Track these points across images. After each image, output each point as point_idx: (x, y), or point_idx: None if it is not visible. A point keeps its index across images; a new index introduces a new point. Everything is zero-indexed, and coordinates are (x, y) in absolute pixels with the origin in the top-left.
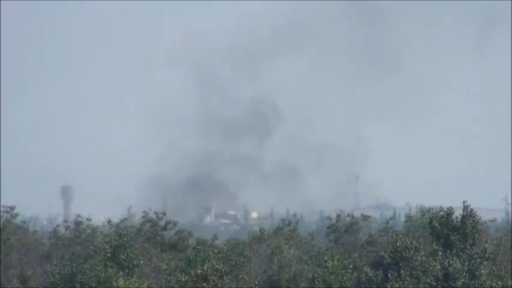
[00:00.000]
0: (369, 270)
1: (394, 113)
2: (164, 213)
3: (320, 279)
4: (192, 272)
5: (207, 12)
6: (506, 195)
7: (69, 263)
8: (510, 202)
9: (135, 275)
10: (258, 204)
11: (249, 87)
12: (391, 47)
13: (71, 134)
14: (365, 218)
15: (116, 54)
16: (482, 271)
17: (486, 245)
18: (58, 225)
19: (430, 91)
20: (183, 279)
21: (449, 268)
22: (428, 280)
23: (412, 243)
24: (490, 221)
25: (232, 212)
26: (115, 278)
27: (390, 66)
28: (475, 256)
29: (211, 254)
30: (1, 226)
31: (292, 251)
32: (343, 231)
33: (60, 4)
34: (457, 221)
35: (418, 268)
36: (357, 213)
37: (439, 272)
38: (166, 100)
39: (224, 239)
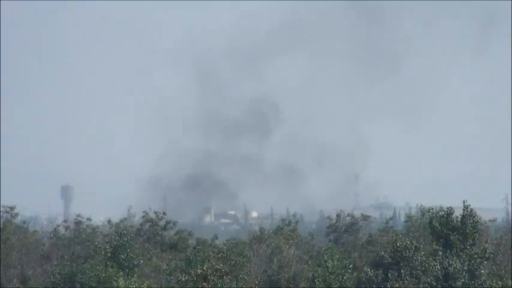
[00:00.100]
0: (369, 270)
1: (394, 112)
2: (164, 213)
3: (320, 279)
4: (192, 272)
5: (207, 12)
6: (506, 195)
7: (69, 263)
8: (510, 202)
9: (135, 275)
10: (258, 204)
11: (249, 86)
12: (391, 46)
13: (71, 134)
14: (365, 218)
15: (115, 54)
16: (482, 271)
17: (486, 245)
18: (58, 225)
19: (430, 91)
20: (183, 279)
21: (449, 268)
22: (428, 280)
23: (412, 243)
24: (490, 221)
25: (232, 212)
26: (115, 278)
27: (390, 66)
28: (475, 256)
29: (211, 254)
30: (1, 226)
31: (292, 251)
32: (343, 231)
33: (60, 4)
34: (457, 221)
35: (418, 268)
36: (357, 213)
37: (439, 272)
38: (166, 100)
39: (224, 239)
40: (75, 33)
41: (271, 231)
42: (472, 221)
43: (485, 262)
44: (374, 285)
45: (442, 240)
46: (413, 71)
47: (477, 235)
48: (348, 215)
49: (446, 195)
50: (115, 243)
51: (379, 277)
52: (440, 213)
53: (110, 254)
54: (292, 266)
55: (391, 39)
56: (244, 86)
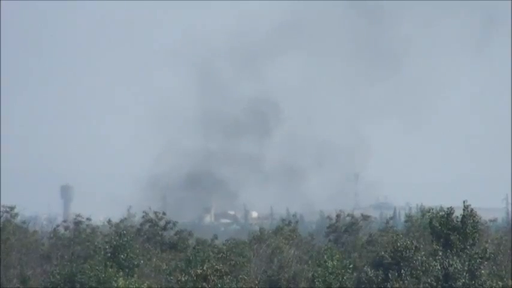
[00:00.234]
0: (369, 270)
1: (394, 112)
2: (164, 213)
3: (320, 279)
4: (192, 272)
5: (207, 12)
6: (506, 195)
7: (69, 263)
8: (510, 202)
9: (135, 275)
10: (258, 204)
11: (249, 86)
12: (392, 46)
13: (71, 134)
14: (365, 217)
15: (115, 54)
16: (483, 271)
17: (486, 245)
18: (58, 225)
19: (430, 91)
20: (183, 279)
21: (449, 268)
22: (429, 280)
23: (412, 243)
24: (490, 221)
25: (232, 212)
26: (115, 278)
27: (390, 65)
28: (475, 256)
29: (211, 254)
30: (1, 226)
31: (292, 251)
32: (343, 231)
33: (60, 4)
34: (457, 221)
35: (418, 268)
36: (357, 213)
37: (439, 272)
38: (166, 100)
39: (224, 239)
40: (75, 33)
41: (271, 231)
42: (472, 221)
43: (486, 262)
44: (374, 286)
45: (442, 240)
46: (413, 71)
47: (477, 235)
48: (348, 215)
49: (446, 195)
50: (115, 243)
51: (379, 277)
52: (440, 213)
53: (109, 254)
54: (292, 266)
55: (391, 39)
56: (244, 86)
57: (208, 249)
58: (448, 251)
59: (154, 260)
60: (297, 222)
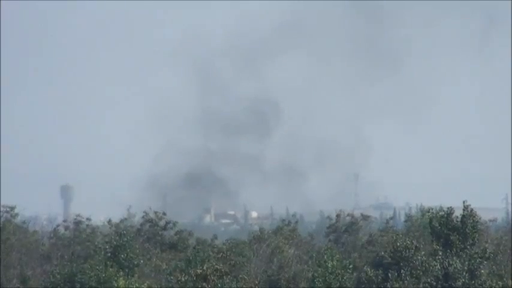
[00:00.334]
0: (369, 270)
1: (394, 112)
2: (164, 213)
3: (320, 279)
4: (192, 272)
5: (207, 12)
6: (506, 195)
7: (69, 263)
8: (510, 202)
9: (135, 275)
10: (258, 204)
11: (249, 86)
12: (392, 46)
13: (71, 134)
14: (365, 218)
15: (115, 54)
16: (482, 271)
17: (486, 245)
18: (58, 225)
19: (430, 91)
20: (183, 279)
21: (449, 268)
22: (429, 280)
23: (412, 243)
24: (490, 220)
25: (232, 212)
26: (115, 278)
27: (390, 65)
28: (475, 256)
29: (211, 254)
30: (1, 226)
31: (292, 251)
32: (343, 231)
33: (60, 4)
34: (457, 221)
35: (418, 268)
36: (357, 213)
37: (439, 272)
38: (166, 100)
39: (224, 239)
40: (75, 33)
41: (271, 231)
42: (472, 221)
43: (485, 262)
44: (374, 285)
45: (442, 240)
46: (413, 71)
47: (477, 235)
48: (348, 215)
49: (446, 195)
50: (115, 243)
51: (379, 277)
52: (440, 213)
53: (109, 254)
54: (292, 266)
55: (391, 39)
56: (244, 86)
57: (208, 249)
58: (448, 251)
59: (154, 260)
60: (296, 222)
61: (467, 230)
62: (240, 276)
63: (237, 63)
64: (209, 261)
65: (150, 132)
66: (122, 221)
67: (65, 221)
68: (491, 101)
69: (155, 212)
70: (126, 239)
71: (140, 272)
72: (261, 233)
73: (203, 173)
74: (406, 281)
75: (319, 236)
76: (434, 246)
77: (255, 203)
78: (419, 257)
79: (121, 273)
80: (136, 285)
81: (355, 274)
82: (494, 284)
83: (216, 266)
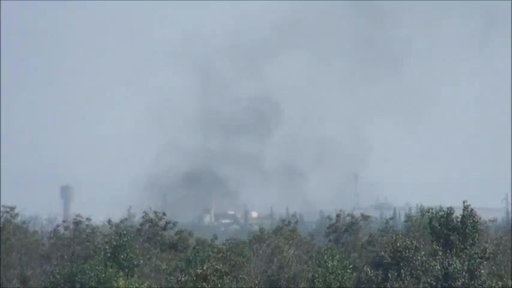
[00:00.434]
0: (368, 270)
1: (394, 112)
2: (164, 214)
3: (320, 279)
4: (192, 272)
5: (207, 12)
6: (506, 195)
7: (69, 263)
8: (510, 202)
9: (135, 275)
10: (258, 204)
11: (250, 86)
12: (392, 46)
13: (71, 134)
14: (365, 218)
15: (115, 55)
16: (482, 271)
17: (486, 245)
18: (58, 225)
19: (430, 91)
20: (183, 279)
21: (449, 268)
22: (428, 280)
23: (412, 243)
24: (490, 221)
25: (232, 212)
26: (115, 278)
27: (391, 65)
28: (475, 256)
29: (211, 254)
30: (1, 226)
31: (292, 251)
32: (343, 231)
33: (60, 4)
34: (457, 221)
35: (418, 268)
36: (357, 213)
37: (439, 272)
38: (166, 100)
39: (224, 239)
40: (75, 33)
41: (271, 231)
42: (472, 221)
43: (485, 262)
44: (374, 286)
45: (442, 240)
46: (413, 71)
47: (477, 235)
48: (348, 215)
49: (446, 195)
50: (115, 243)
51: (379, 277)
52: (440, 213)
53: (109, 254)
54: (292, 266)
55: (391, 39)
56: (244, 85)
57: (208, 249)
58: (448, 251)
59: (154, 260)
60: (296, 222)
61: (467, 230)
62: (240, 276)
63: (237, 63)
64: (209, 262)
65: (150, 132)
66: (122, 221)
67: (64, 221)
68: (491, 101)
69: (155, 212)
70: (126, 239)
71: (140, 272)
72: (261, 233)
73: (203, 172)
74: (406, 281)
75: (319, 236)
76: (434, 246)
77: (255, 203)
78: (419, 257)
79: (121, 273)
80: (136, 285)
81: (355, 274)
82: (494, 284)
83: (216, 266)
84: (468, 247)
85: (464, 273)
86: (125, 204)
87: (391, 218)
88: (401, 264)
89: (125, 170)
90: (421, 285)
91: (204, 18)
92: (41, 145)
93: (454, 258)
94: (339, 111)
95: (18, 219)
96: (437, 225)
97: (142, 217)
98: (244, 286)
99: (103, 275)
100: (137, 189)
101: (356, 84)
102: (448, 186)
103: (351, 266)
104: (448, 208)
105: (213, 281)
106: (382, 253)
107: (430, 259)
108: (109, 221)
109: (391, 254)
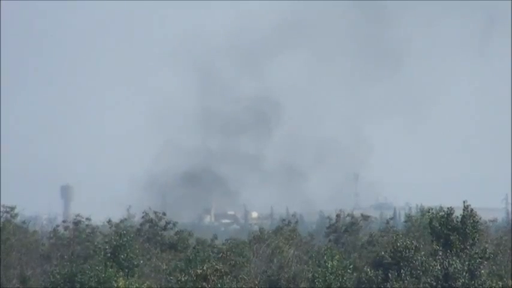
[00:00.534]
0: (369, 270)
1: (394, 112)
2: (164, 214)
3: (320, 279)
4: (192, 272)
5: (207, 12)
6: (506, 195)
7: (69, 263)
8: (510, 202)
9: (135, 275)
10: (258, 204)
11: (250, 85)
12: (392, 46)
13: (71, 134)
14: (365, 218)
15: (115, 55)
16: (482, 271)
17: (486, 245)
18: (58, 225)
19: (430, 91)
20: (183, 279)
21: (449, 268)
22: (429, 280)
23: (412, 243)
24: (490, 221)
25: (232, 212)
26: (115, 278)
27: (391, 65)
28: (475, 256)
29: (211, 254)
30: (1, 226)
31: (292, 251)
32: (343, 231)
33: (60, 4)
34: (457, 221)
35: (418, 268)
36: (357, 213)
37: (439, 272)
38: (167, 99)
39: (224, 239)
40: (75, 33)
41: (271, 231)
42: (472, 221)
43: (486, 262)
44: (374, 286)
45: (442, 240)
46: (413, 71)
47: (477, 235)
48: (348, 215)
49: (446, 195)
50: (115, 243)
51: (379, 277)
52: (440, 213)
53: (109, 254)
54: (292, 266)
55: (392, 39)
56: (244, 85)
57: (208, 249)
58: (448, 251)
59: (154, 260)
60: (296, 222)
61: (467, 230)
62: (240, 276)
63: (237, 63)
64: (209, 261)
65: (150, 132)
66: (121, 221)
67: (64, 221)
68: (491, 101)
69: (155, 212)
70: (126, 239)
71: (140, 272)
72: (261, 233)
73: (203, 172)
74: (406, 281)
75: (319, 236)
76: (434, 247)
77: (255, 203)
78: (419, 257)
79: (121, 273)
80: (136, 285)
81: (355, 274)
82: (494, 284)
83: (216, 266)
84: (468, 247)
85: (464, 273)
86: (124, 204)
87: (391, 218)
88: (401, 264)
89: (125, 169)
90: (421, 285)
91: (204, 18)
92: (41, 145)
93: (454, 258)
94: (339, 111)
95: (18, 219)
96: (437, 225)
97: (142, 217)
98: (244, 286)
99: (103, 275)
100: (137, 189)
101: (356, 84)
102: (448, 186)
103: (351, 266)
104: (448, 208)
105: (213, 281)
106: (382, 253)
107: (430, 259)
108: (109, 221)
109: (391, 254)
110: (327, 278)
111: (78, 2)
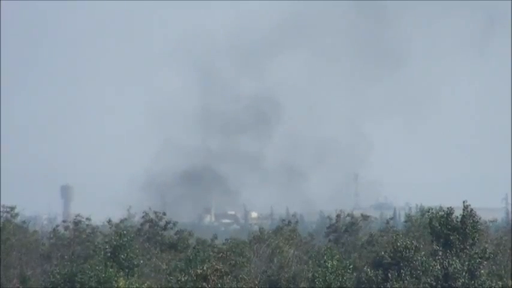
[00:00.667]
0: (369, 270)
1: (394, 112)
2: (164, 213)
3: (320, 279)
4: (192, 272)
5: (207, 12)
6: (506, 195)
7: (69, 263)
8: (510, 202)
9: (135, 275)
10: (258, 204)
11: (250, 85)
12: (392, 46)
13: (71, 134)
14: (365, 218)
15: (115, 55)
16: (482, 271)
17: (486, 245)
18: (57, 225)
19: (430, 91)
20: (183, 279)
21: (449, 268)
22: (429, 280)
23: (412, 243)
24: (490, 221)
25: (232, 212)
26: (115, 278)
27: (391, 65)
28: (475, 256)
29: (211, 254)
30: (1, 226)
31: (292, 251)
32: (343, 231)
33: (60, 4)
34: (457, 221)
35: (418, 268)
36: (357, 213)
37: (439, 272)
38: (167, 99)
39: (224, 239)
40: (75, 33)
41: (271, 231)
42: (472, 221)
43: (485, 262)
44: (374, 286)
45: (442, 240)
46: (413, 71)
47: (477, 235)
48: (348, 215)
49: (446, 195)
50: (115, 243)
51: (379, 277)
52: (440, 213)
53: (109, 254)
54: (292, 266)
55: (392, 39)
56: (244, 85)
57: (208, 249)
58: (448, 251)
59: (154, 260)
60: (296, 222)
61: (467, 230)
62: (240, 276)
63: (237, 62)
64: (209, 261)
65: (150, 132)
66: (121, 221)
67: (64, 221)
68: (491, 100)
69: (155, 212)
70: (126, 239)
71: (140, 272)
72: (261, 233)
73: (203, 172)
74: (406, 281)
75: (319, 236)
76: (434, 247)
77: (255, 203)
78: (419, 257)
79: (121, 273)
80: (137, 285)
81: (355, 274)
82: (494, 284)
83: (216, 266)
84: (468, 247)
85: (464, 273)
86: (124, 203)
87: (391, 218)
88: (401, 264)
89: (125, 169)
90: (421, 285)
91: (204, 18)
92: (41, 145)
93: (454, 258)
94: (339, 110)
95: (18, 219)
96: (437, 225)
97: (143, 217)
98: (244, 286)
99: (103, 275)
100: (137, 189)
101: (356, 84)
102: (448, 186)
103: (351, 266)
104: (448, 208)
105: (213, 281)
106: (382, 253)
107: (430, 259)
108: (109, 221)
109: (391, 254)
110: (327, 278)
111: (78, 2)
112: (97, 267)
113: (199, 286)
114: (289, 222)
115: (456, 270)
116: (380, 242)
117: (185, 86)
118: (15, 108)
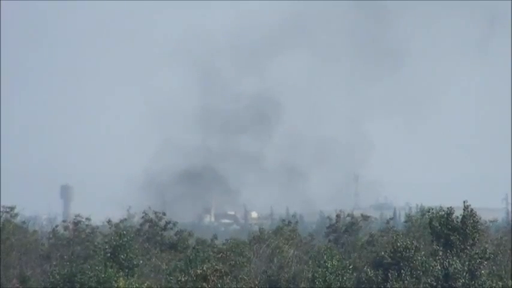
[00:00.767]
0: (369, 270)
1: (394, 112)
2: (164, 214)
3: (320, 279)
4: (192, 272)
5: (207, 12)
6: (506, 195)
7: (69, 263)
8: (510, 202)
9: (135, 275)
10: (258, 204)
11: (250, 85)
12: (392, 45)
13: (71, 134)
14: (365, 218)
15: (115, 55)
16: (483, 271)
17: (486, 245)
18: (57, 225)
19: (430, 91)
20: (183, 279)
21: (449, 268)
22: (429, 280)
23: (412, 243)
24: (490, 221)
25: (232, 212)
26: (115, 278)
27: (391, 65)
28: (475, 256)
29: (211, 254)
30: (1, 226)
31: (292, 251)
32: (343, 231)
33: (60, 4)
34: (457, 221)
35: (418, 268)
36: (357, 213)
37: (439, 272)
38: (167, 99)
39: (224, 239)
40: (75, 33)
41: (271, 232)
42: (472, 221)
43: (486, 262)
44: (374, 286)
45: (442, 240)
46: (413, 71)
47: (477, 235)
48: (348, 215)
49: (446, 195)
50: (115, 243)
51: (379, 277)
52: (440, 213)
53: (109, 254)
54: (292, 266)
55: (392, 38)
56: (245, 85)
57: (208, 249)
58: (448, 251)
59: (154, 260)
60: (296, 222)
61: (467, 230)
62: (240, 276)
63: (237, 62)
64: (209, 262)
65: (150, 132)
66: (121, 221)
67: (64, 221)
68: (491, 100)
69: (155, 212)
70: (126, 239)
71: (140, 272)
72: (261, 233)
73: (203, 171)
74: (406, 281)
75: (319, 236)
76: (435, 247)
77: (255, 203)
78: (419, 257)
79: (121, 273)
80: (136, 285)
81: (355, 274)
82: (494, 284)
83: (216, 266)
84: (468, 247)
85: (464, 274)
86: (124, 203)
87: (391, 218)
88: (401, 264)
89: (125, 169)
90: (421, 286)
91: (204, 18)
92: (41, 145)
93: (454, 258)
94: (339, 110)
95: (18, 219)
96: (437, 225)
97: (142, 217)
98: (244, 286)
99: (103, 275)
100: (137, 188)
101: (356, 84)
102: (448, 186)
103: (351, 266)
104: (448, 208)
105: (213, 281)
106: (382, 253)
107: (431, 259)
108: (109, 221)
109: (391, 254)
110: (327, 278)
111: (78, 2)
112: (97, 268)
113: (199, 286)
114: (289, 222)
115: (456, 270)
116: (380, 242)
117: (185, 86)
118: (15, 108)
